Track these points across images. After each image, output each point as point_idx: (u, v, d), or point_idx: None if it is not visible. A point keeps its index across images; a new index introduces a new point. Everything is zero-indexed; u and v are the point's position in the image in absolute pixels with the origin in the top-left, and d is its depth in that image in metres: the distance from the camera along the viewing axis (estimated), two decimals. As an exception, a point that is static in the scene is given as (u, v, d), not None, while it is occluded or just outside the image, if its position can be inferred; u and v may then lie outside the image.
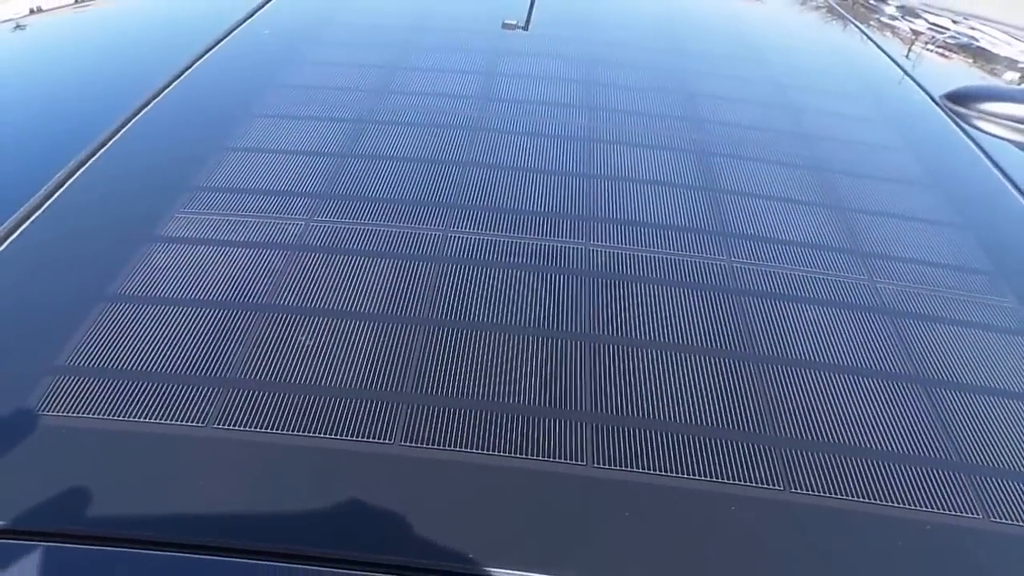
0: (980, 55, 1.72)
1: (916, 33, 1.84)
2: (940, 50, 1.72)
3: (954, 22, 1.93)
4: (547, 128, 1.01)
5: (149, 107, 0.97)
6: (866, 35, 1.55)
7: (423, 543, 0.48)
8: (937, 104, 1.20)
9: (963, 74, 1.61)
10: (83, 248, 0.74)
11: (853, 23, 1.63)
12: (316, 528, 0.49)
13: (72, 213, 0.78)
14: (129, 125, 0.93)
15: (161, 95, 1.01)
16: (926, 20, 1.93)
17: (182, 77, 1.06)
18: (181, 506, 0.50)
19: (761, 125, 1.07)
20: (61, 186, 0.80)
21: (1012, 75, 1.64)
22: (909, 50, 1.69)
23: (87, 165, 0.84)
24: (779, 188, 0.91)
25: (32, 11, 1.46)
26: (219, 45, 1.18)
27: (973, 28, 1.89)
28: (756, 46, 1.42)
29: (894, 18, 1.93)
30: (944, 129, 1.13)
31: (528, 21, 1.40)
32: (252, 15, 1.32)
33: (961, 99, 1.20)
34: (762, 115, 1.11)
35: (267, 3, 1.39)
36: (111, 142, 0.89)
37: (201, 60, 1.12)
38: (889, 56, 1.42)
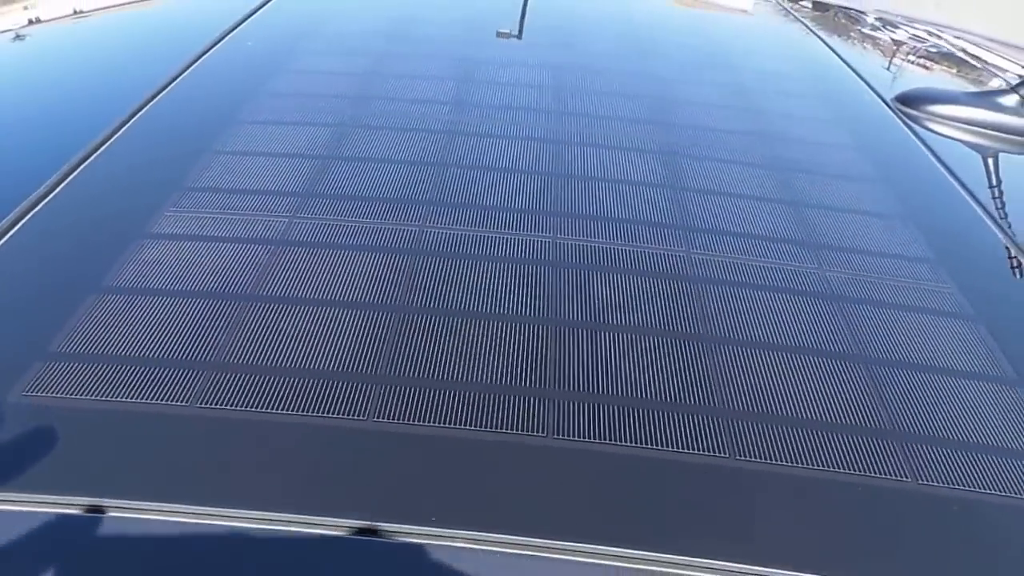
0: (950, 63, 1.80)
1: (897, 43, 1.93)
2: (914, 59, 1.80)
3: (929, 34, 2.01)
4: (521, 131, 1.06)
5: (142, 113, 1.02)
6: (827, 44, 1.62)
7: (388, 507, 0.53)
8: (889, 106, 1.27)
9: (925, 80, 1.68)
10: (77, 244, 0.78)
11: (815, 34, 1.70)
12: (289, 494, 0.53)
13: (67, 211, 0.82)
14: (123, 130, 0.97)
15: (153, 101, 1.05)
16: (906, 31, 2.01)
17: (173, 84, 1.11)
18: (163, 476, 0.54)
19: (724, 128, 1.13)
20: (58, 185, 0.84)
21: (974, 80, 1.72)
22: (890, 61, 1.77)
23: (83, 166, 0.88)
24: (737, 185, 0.97)
25: (31, 21, 1.48)
26: (207, 55, 1.23)
27: (945, 38, 1.97)
28: (725, 55, 1.49)
29: (876, 28, 2.01)
30: (893, 129, 1.19)
31: (521, 30, 1.47)
32: (241, 23, 1.37)
33: (911, 101, 1.27)
34: (725, 118, 1.17)
35: (257, 11, 1.44)
36: (106, 145, 0.93)
37: (191, 68, 1.16)
38: (847, 63, 1.49)
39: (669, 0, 2.06)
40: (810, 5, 2.16)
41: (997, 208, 1.02)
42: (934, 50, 1.88)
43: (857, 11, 2.16)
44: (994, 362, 0.72)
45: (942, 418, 0.65)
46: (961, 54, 1.84)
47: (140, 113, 1.01)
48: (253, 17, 1.41)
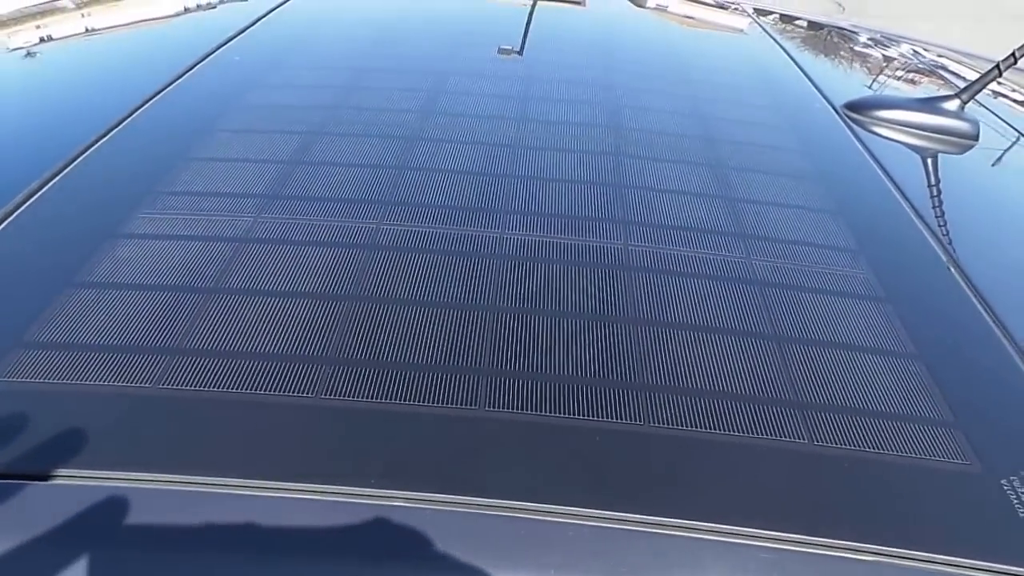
0: (927, 76, 1.87)
1: (887, 59, 2.00)
2: (897, 73, 1.88)
3: (915, 52, 2.08)
4: (478, 137, 1.13)
5: (126, 123, 1.08)
6: (788, 54, 1.69)
7: (328, 470, 0.58)
8: (837, 112, 1.34)
9: (895, 92, 1.75)
10: (53, 244, 0.84)
11: (777, 43, 1.77)
12: (239, 459, 0.59)
13: (47, 213, 0.88)
14: (106, 138, 1.03)
15: (138, 112, 1.12)
16: (895, 50, 2.08)
17: (159, 96, 1.18)
18: (123, 449, 0.60)
19: (674, 131, 1.20)
20: (40, 189, 0.91)
21: (934, 88, 1.78)
22: (880, 76, 1.84)
23: (66, 171, 0.95)
24: (678, 183, 1.03)
25: (43, 40, 1.57)
26: (196, 68, 1.30)
27: (930, 55, 2.04)
28: (695, 66, 1.56)
29: (868, 45, 2.08)
30: (837, 133, 1.26)
31: (523, 47, 1.56)
32: (240, 34, 1.46)
33: (858, 107, 1.33)
34: (680, 124, 1.24)
35: (257, 21, 1.53)
36: (88, 152, 1.00)
37: (178, 81, 1.24)
38: (804, 72, 1.56)
39: (663, 16, 2.15)
40: (805, 24, 2.24)
41: (934, 206, 1.08)
42: (922, 66, 1.95)
43: (850, 30, 2.24)
44: (897, 340, 0.78)
45: (838, 387, 0.71)
46: (942, 71, 1.91)
47: (124, 123, 1.08)
48: (263, 22, 1.49)
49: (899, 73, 1.88)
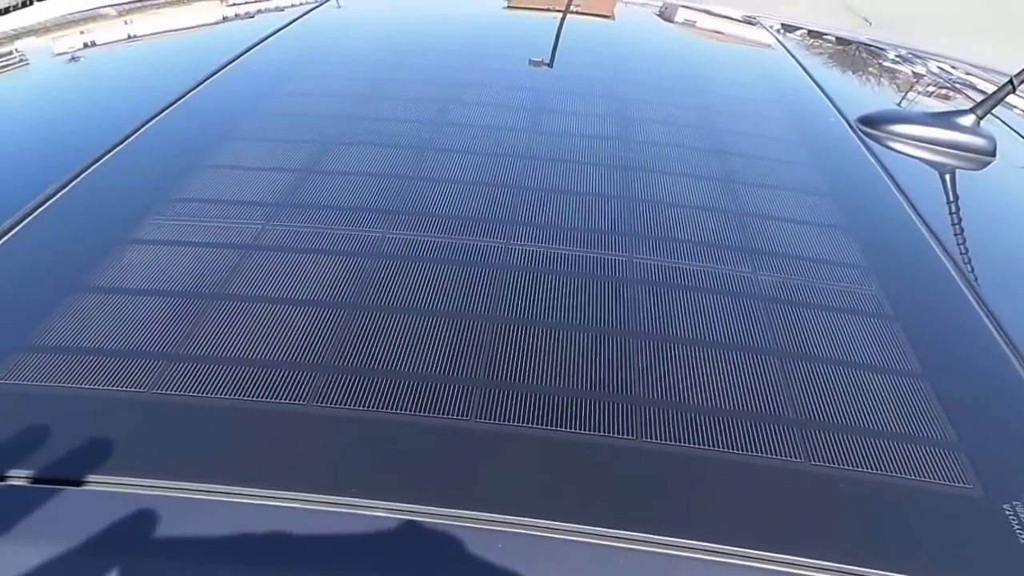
0: (951, 92, 1.87)
1: (904, 74, 2.00)
2: (935, 88, 1.88)
3: (942, 68, 2.08)
4: (498, 147, 1.15)
5: (142, 131, 1.11)
6: (807, 70, 1.70)
7: (322, 479, 0.59)
8: (850, 126, 1.34)
9: (919, 108, 1.76)
10: (64, 249, 0.86)
11: (798, 60, 1.79)
12: (233, 468, 0.59)
13: (58, 219, 0.89)
14: (122, 146, 1.06)
15: (154, 120, 1.14)
16: (927, 65, 2.08)
17: (176, 105, 1.21)
18: (121, 453, 0.60)
19: (688, 145, 1.22)
20: (52, 197, 0.93)
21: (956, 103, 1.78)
22: (896, 90, 1.84)
23: (80, 178, 0.97)
24: (688, 197, 1.05)
25: (86, 45, 1.63)
26: (213, 77, 1.33)
27: (958, 72, 2.04)
28: (706, 78, 1.58)
29: (885, 60, 2.09)
30: (850, 147, 1.27)
31: (552, 59, 1.58)
32: (253, 47, 1.50)
33: (870, 121, 1.34)
34: (692, 137, 1.25)
35: (284, 28, 1.58)
36: (103, 160, 1.02)
37: (195, 91, 1.27)
38: (819, 85, 1.57)
39: (691, 31, 2.18)
40: (834, 39, 2.25)
41: (951, 223, 1.08)
42: (939, 81, 1.94)
43: (868, 44, 2.24)
44: (903, 359, 0.77)
45: (837, 407, 0.70)
46: (960, 86, 1.91)
47: (140, 131, 1.10)
48: (296, 25, 1.54)
49: (915, 87, 1.88)
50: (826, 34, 2.31)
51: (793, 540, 0.57)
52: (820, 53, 2.12)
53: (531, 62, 1.55)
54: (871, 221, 1.06)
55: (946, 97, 1.83)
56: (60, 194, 0.94)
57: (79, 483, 0.57)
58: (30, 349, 0.69)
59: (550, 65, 1.56)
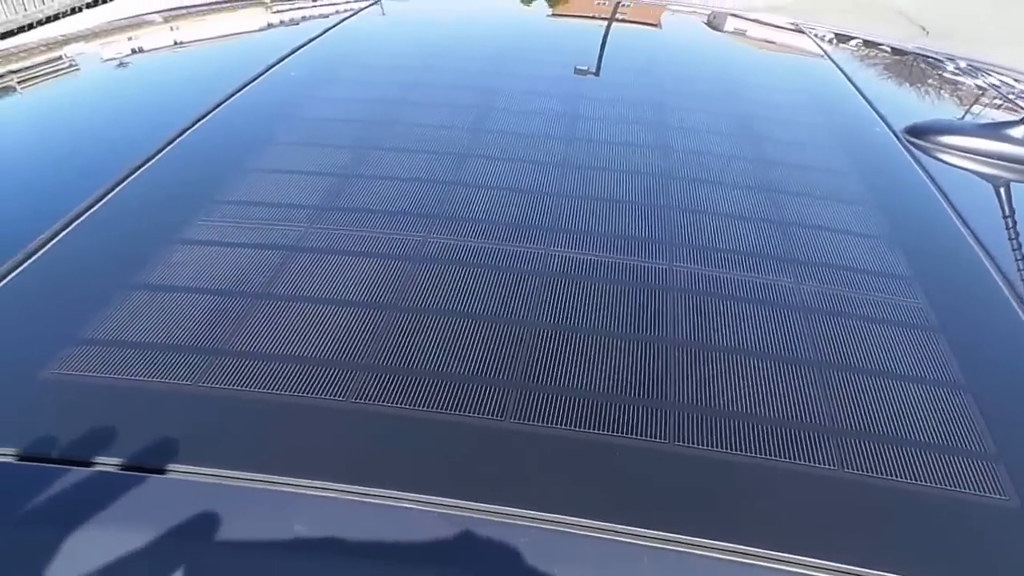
0: (1000, 99, 1.80)
1: (955, 84, 1.94)
2: (987, 100, 1.81)
3: (996, 78, 2.00)
4: (533, 155, 1.15)
5: (187, 133, 1.14)
6: (848, 77, 1.66)
7: (353, 471, 0.61)
8: (897, 137, 1.30)
9: (955, 114, 1.70)
10: (114, 248, 0.89)
11: (836, 65, 1.74)
12: (274, 459, 0.61)
13: (109, 220, 0.93)
14: (167, 149, 1.09)
15: (201, 122, 1.18)
16: (980, 75, 2.01)
17: (220, 108, 1.24)
18: (164, 442, 0.63)
19: (731, 153, 1.19)
20: (103, 198, 0.96)
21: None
22: (947, 100, 1.79)
23: (129, 179, 1.01)
24: (732, 206, 1.03)
25: (134, 51, 1.68)
26: (254, 82, 1.36)
27: (1003, 79, 1.97)
28: (751, 86, 1.55)
29: (937, 70, 2.03)
30: (896, 158, 1.23)
31: (599, 67, 1.58)
32: (294, 52, 1.52)
33: (918, 132, 1.29)
34: (735, 146, 1.23)
35: (326, 32, 1.60)
36: (152, 162, 1.06)
37: (237, 95, 1.30)
38: (865, 95, 1.53)
39: (740, 40, 2.15)
40: (889, 49, 2.19)
41: (1011, 237, 1.04)
42: (992, 91, 1.87)
43: (935, 58, 2.17)
44: (945, 370, 0.76)
45: (876, 416, 0.69)
46: (1014, 96, 1.83)
47: (185, 134, 1.14)
48: (338, 29, 1.57)
49: (967, 98, 1.81)
50: (876, 43, 2.25)
51: (829, 547, 0.58)
52: (868, 62, 2.06)
53: (576, 70, 1.54)
54: (918, 232, 1.03)
55: (999, 108, 1.76)
56: (112, 193, 0.98)
57: (132, 468, 0.60)
58: (86, 342, 0.73)
59: (596, 73, 1.55)
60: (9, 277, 0.81)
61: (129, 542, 0.55)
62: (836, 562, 0.56)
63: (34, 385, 0.68)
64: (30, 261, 0.84)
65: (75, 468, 0.60)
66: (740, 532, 0.58)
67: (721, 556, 0.56)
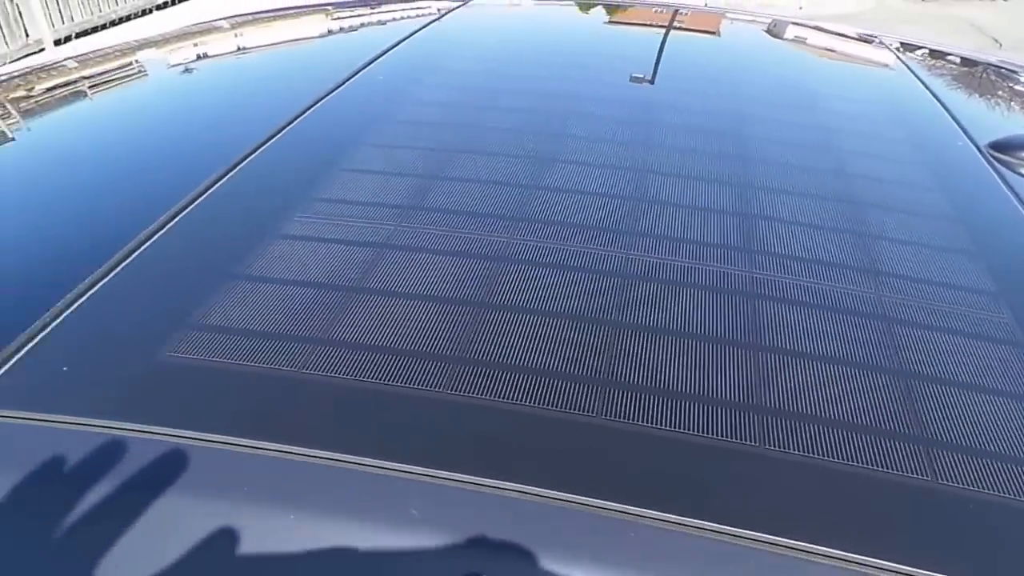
0: None
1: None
2: None
3: None
4: (607, 161, 1.17)
5: (284, 132, 1.20)
6: (930, 90, 1.63)
7: (438, 455, 0.64)
8: (980, 151, 1.28)
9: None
10: (221, 239, 0.95)
11: (919, 78, 1.72)
12: (358, 437, 0.65)
13: (216, 213, 0.99)
14: (267, 144, 1.16)
15: (295, 122, 1.24)
16: None
17: (313, 108, 1.30)
18: (270, 418, 0.68)
19: (801, 164, 1.19)
20: (207, 191, 1.02)
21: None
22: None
23: (230, 175, 1.06)
24: (810, 217, 1.03)
25: (199, 56, 1.75)
26: (344, 85, 1.42)
27: None
28: (818, 96, 1.54)
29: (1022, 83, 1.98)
30: (980, 172, 1.21)
31: (655, 75, 1.60)
32: (376, 59, 1.58)
33: (1003, 147, 1.27)
34: (805, 157, 1.23)
35: (411, 36, 1.66)
36: (252, 157, 1.12)
37: (329, 96, 1.36)
38: (947, 108, 1.50)
39: (801, 47, 2.14)
40: (958, 60, 2.15)
41: None
42: None
43: (1002, 66, 2.13)
44: None
45: (964, 427, 0.70)
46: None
47: (280, 134, 1.20)
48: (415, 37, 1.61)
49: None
50: (950, 54, 2.20)
51: (915, 555, 0.58)
52: (944, 74, 2.02)
53: (633, 78, 1.56)
54: (1003, 248, 1.02)
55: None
56: (215, 188, 1.04)
57: (236, 444, 0.64)
58: (195, 327, 0.78)
59: (651, 82, 1.56)
60: (114, 272, 0.86)
61: (236, 517, 0.59)
62: (919, 568, 0.57)
63: (153, 365, 0.73)
64: (142, 248, 0.90)
65: (195, 442, 0.64)
66: (816, 533, 0.59)
67: (807, 557, 0.57)
